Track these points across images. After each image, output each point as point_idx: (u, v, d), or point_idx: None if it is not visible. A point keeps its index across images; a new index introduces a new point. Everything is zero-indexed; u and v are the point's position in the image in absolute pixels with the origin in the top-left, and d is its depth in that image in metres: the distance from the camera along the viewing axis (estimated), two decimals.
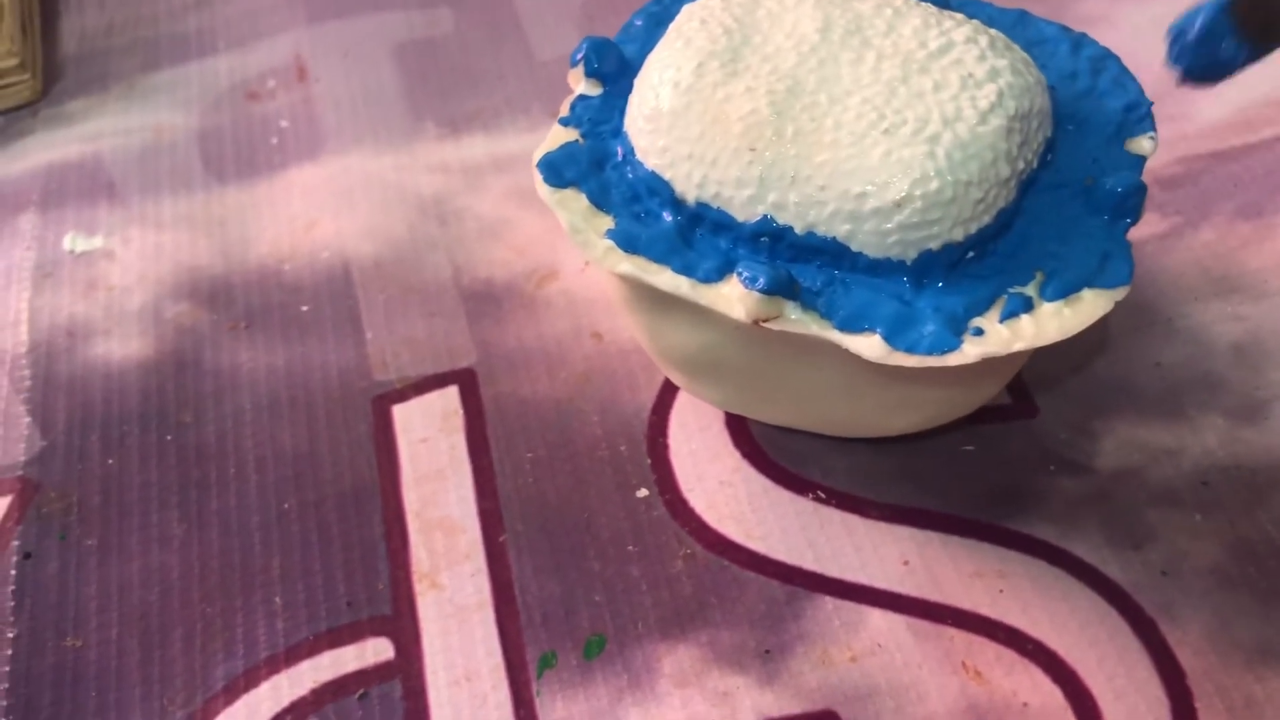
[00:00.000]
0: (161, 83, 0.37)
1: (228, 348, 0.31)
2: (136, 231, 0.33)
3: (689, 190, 0.23)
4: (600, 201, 0.23)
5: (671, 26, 0.24)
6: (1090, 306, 0.22)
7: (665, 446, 0.28)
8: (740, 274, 0.22)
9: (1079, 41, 0.26)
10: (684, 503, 0.27)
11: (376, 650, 0.25)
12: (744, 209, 0.22)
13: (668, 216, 0.23)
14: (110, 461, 0.29)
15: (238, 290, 0.32)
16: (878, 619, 0.25)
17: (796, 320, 0.22)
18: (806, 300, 0.22)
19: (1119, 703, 0.23)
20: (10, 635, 0.26)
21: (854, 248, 0.22)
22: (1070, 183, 0.23)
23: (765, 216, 0.22)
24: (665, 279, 0.22)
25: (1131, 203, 0.23)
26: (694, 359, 0.25)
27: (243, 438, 0.29)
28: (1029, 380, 0.28)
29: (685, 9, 0.24)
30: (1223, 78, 0.21)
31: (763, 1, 0.24)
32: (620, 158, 0.24)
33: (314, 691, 0.25)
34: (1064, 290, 0.22)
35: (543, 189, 0.24)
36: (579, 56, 0.25)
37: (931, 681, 0.24)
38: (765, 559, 0.26)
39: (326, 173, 0.34)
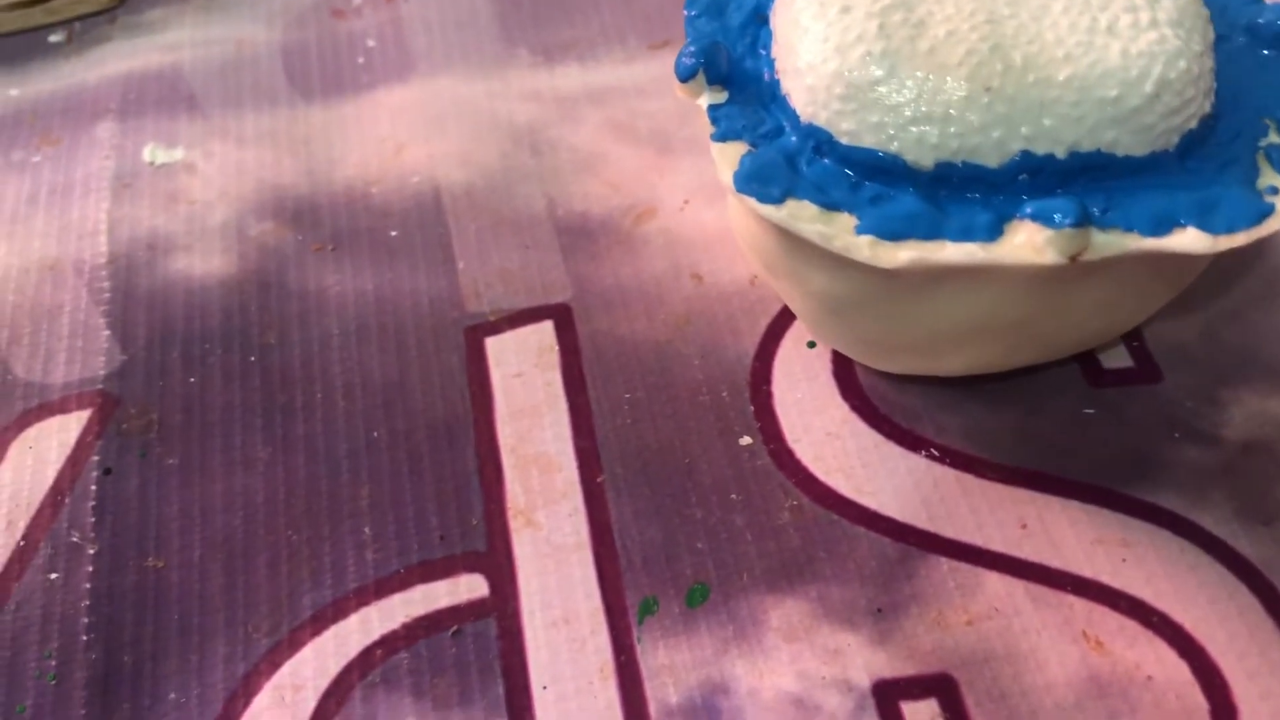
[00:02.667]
0: None
1: (313, 269, 0.30)
2: (218, 146, 0.32)
3: (923, 155, 0.21)
4: (826, 201, 0.21)
5: None
6: None
7: (769, 394, 0.27)
8: (1036, 217, 0.20)
9: None
10: (789, 453, 0.26)
11: (470, 586, 0.24)
12: (995, 152, 0.21)
13: (906, 190, 0.21)
14: (192, 380, 0.28)
15: (324, 211, 0.31)
16: (995, 582, 0.24)
17: (1106, 244, 0.20)
18: (1100, 221, 0.21)
19: (1251, 683, 0.22)
20: (91, 552, 0.25)
21: (1120, 153, 0.21)
22: (1228, 34, 0.24)
23: (1023, 152, 0.21)
24: (952, 252, 0.21)
25: None
26: (952, 332, 0.23)
27: (329, 363, 0.28)
28: (1153, 345, 0.27)
29: None
30: None
31: None
32: (813, 150, 0.22)
33: (405, 626, 0.24)
34: None
35: (765, 210, 0.21)
36: (691, 67, 0.23)
37: (1051, 649, 0.23)
38: (876, 515, 0.25)
39: (416, 95, 0.33)
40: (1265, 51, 0.23)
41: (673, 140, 0.32)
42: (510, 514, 0.25)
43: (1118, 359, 0.27)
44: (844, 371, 0.27)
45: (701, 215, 0.30)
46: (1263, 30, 0.23)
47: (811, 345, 0.28)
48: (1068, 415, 0.26)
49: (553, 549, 0.25)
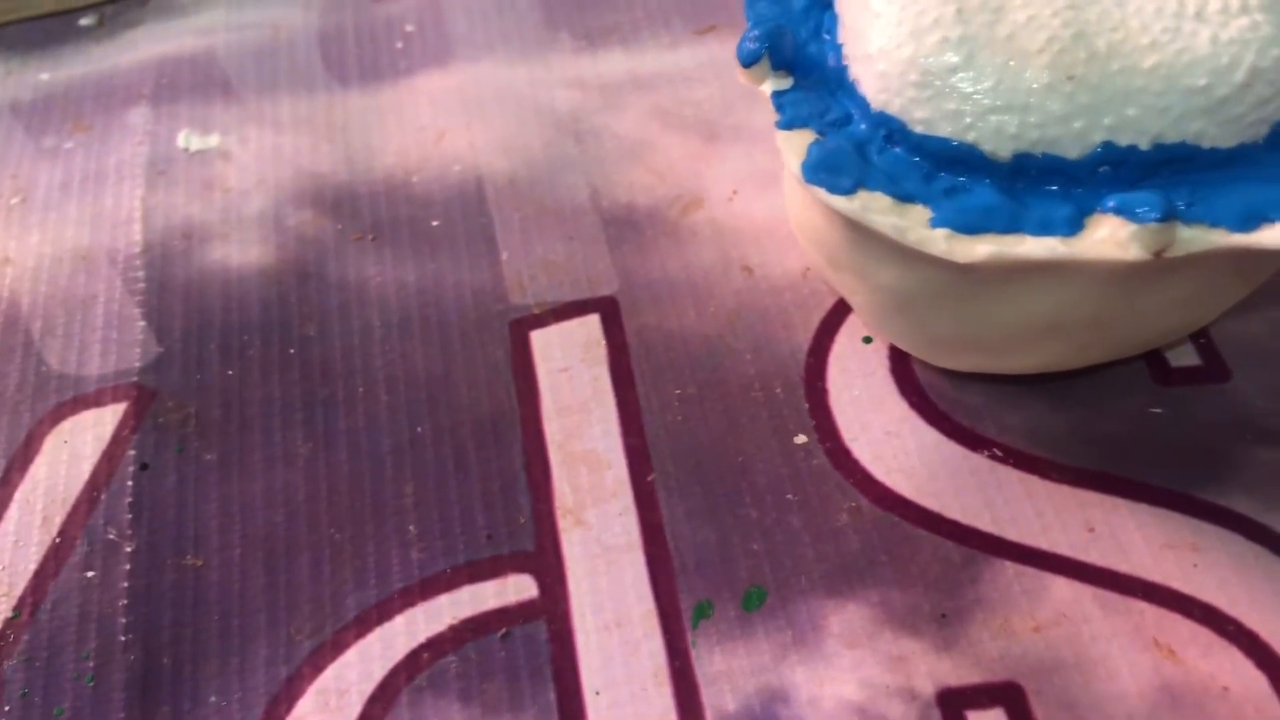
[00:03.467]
0: None
1: (354, 260, 0.29)
2: (254, 132, 0.32)
3: (1001, 145, 0.20)
4: (899, 193, 0.21)
5: None
6: None
7: (824, 391, 0.26)
8: (1120, 211, 0.20)
9: None
10: (847, 453, 0.25)
11: (519, 587, 0.24)
12: (1077, 143, 0.20)
13: (982, 182, 0.21)
14: (230, 373, 0.27)
15: (363, 200, 0.30)
16: (1062, 587, 0.23)
17: (1191, 239, 0.20)
18: (1184, 216, 0.20)
19: None
20: (129, 549, 0.25)
21: (1206, 145, 0.20)
22: None
23: (1106, 143, 0.20)
24: (1031, 246, 0.20)
25: None
26: (1026, 329, 0.22)
27: (371, 355, 0.27)
28: (1220, 342, 0.26)
29: None
30: None
31: None
32: (884, 139, 0.21)
33: (453, 628, 0.23)
34: None
35: (836, 201, 0.21)
36: (755, 51, 0.22)
37: (1122, 658, 0.22)
38: (939, 517, 0.24)
39: (456, 81, 0.32)
40: None
41: (719, 128, 0.31)
42: (559, 513, 0.25)
43: (1185, 357, 0.26)
44: (902, 368, 0.26)
45: (750, 206, 0.29)
46: None
47: (868, 341, 0.27)
48: (1134, 415, 0.25)
49: (603, 549, 0.24)
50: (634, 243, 0.29)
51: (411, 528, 0.25)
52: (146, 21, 0.35)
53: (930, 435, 0.25)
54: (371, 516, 0.25)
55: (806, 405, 0.26)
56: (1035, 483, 0.24)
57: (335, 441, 0.26)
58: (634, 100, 0.32)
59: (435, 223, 0.29)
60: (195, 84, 0.33)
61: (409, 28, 0.34)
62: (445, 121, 0.31)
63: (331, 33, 0.34)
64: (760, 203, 0.29)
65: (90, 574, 0.24)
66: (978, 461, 0.25)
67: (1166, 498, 0.24)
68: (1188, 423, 0.25)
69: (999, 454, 0.25)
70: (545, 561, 0.24)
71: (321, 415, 0.26)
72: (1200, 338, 0.26)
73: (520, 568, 0.24)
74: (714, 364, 0.27)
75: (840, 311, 0.27)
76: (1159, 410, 0.25)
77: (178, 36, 0.34)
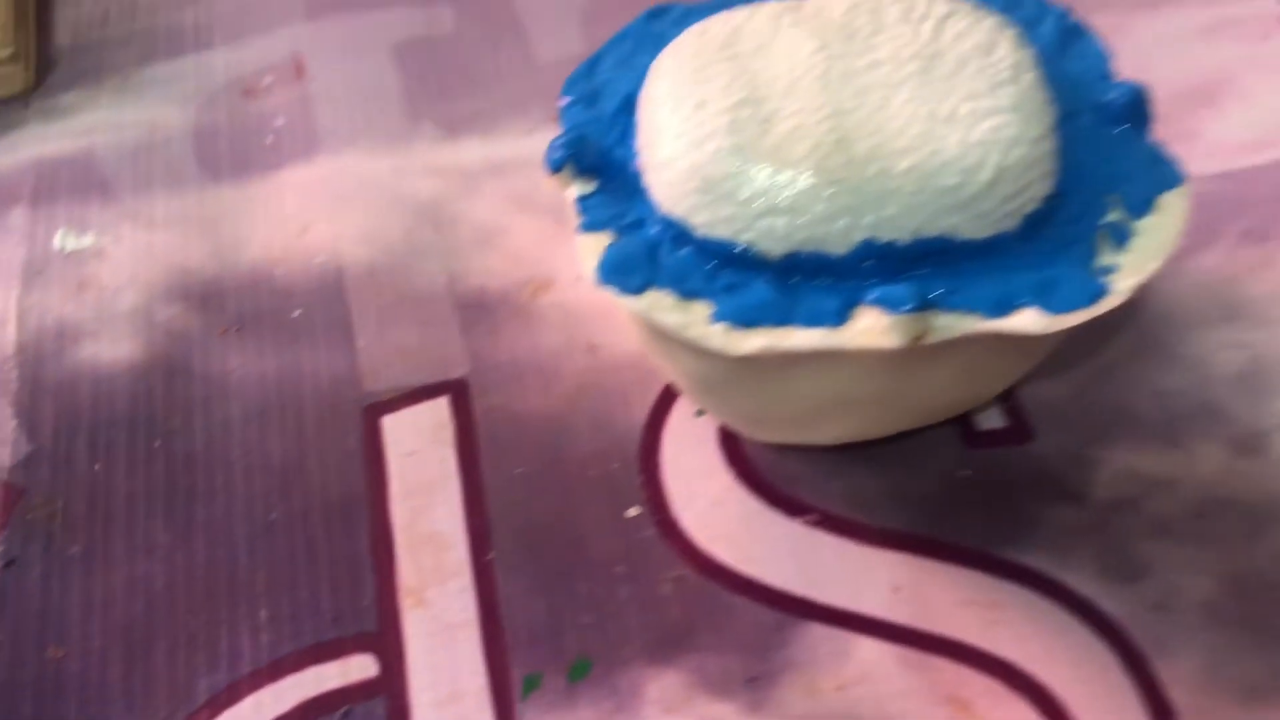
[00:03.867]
0: (157, 77, 0.37)
1: (218, 353, 0.30)
2: (128, 230, 0.33)
3: (773, 245, 0.22)
4: (683, 291, 0.22)
5: (662, 91, 0.23)
6: (1175, 210, 0.23)
7: (658, 465, 0.28)
8: (879, 303, 0.21)
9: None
10: (675, 523, 0.27)
11: (361, 667, 0.25)
12: (841, 241, 0.22)
13: (759, 278, 0.22)
14: (97, 467, 0.29)
15: (229, 293, 0.31)
16: (866, 647, 0.25)
17: (947, 326, 0.21)
18: (943, 304, 0.22)
19: None
20: None
21: (961, 238, 0.22)
22: (1077, 112, 0.24)
23: (868, 240, 0.22)
24: (800, 338, 0.22)
25: (1141, 106, 0.24)
26: (815, 408, 0.24)
27: (231, 446, 0.29)
28: (1026, 404, 0.28)
29: (659, 67, 0.24)
30: None
31: (738, 38, 0.24)
32: (672, 240, 0.23)
33: (297, 708, 0.25)
34: (1145, 204, 0.23)
35: (625, 301, 0.22)
36: (560, 159, 0.24)
37: (918, 714, 0.24)
38: (755, 583, 0.26)
39: (322, 174, 0.34)
40: (1112, 128, 0.24)
41: (570, 211, 0.32)
42: (401, 593, 0.26)
43: (992, 420, 0.28)
44: (729, 440, 0.28)
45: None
46: (1109, 107, 0.24)
47: (700, 414, 0.28)
48: (944, 477, 0.27)
49: (441, 627, 0.26)
50: (486, 325, 0.30)
51: (263, 612, 0.26)
52: (29, 123, 0.36)
53: (753, 504, 0.27)
54: (226, 602, 0.26)
55: (640, 479, 0.27)
56: (848, 546, 0.26)
57: (194, 531, 0.27)
58: (491, 186, 0.33)
59: (296, 313, 0.31)
60: (73, 184, 0.34)
61: (279, 121, 0.35)
62: (310, 214, 0.33)
63: (206, 130, 0.35)
64: None
65: None
66: (795, 528, 0.26)
67: (969, 557, 0.26)
68: (993, 483, 0.27)
69: (815, 519, 0.26)
70: (386, 641, 0.25)
71: (183, 506, 0.28)
72: (1007, 401, 0.28)
73: (362, 648, 0.25)
74: (556, 442, 0.28)
75: (676, 389, 0.29)
76: (967, 472, 0.27)
77: (58, 138, 0.36)
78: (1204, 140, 0.32)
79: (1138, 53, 0.34)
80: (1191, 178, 0.32)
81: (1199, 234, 0.30)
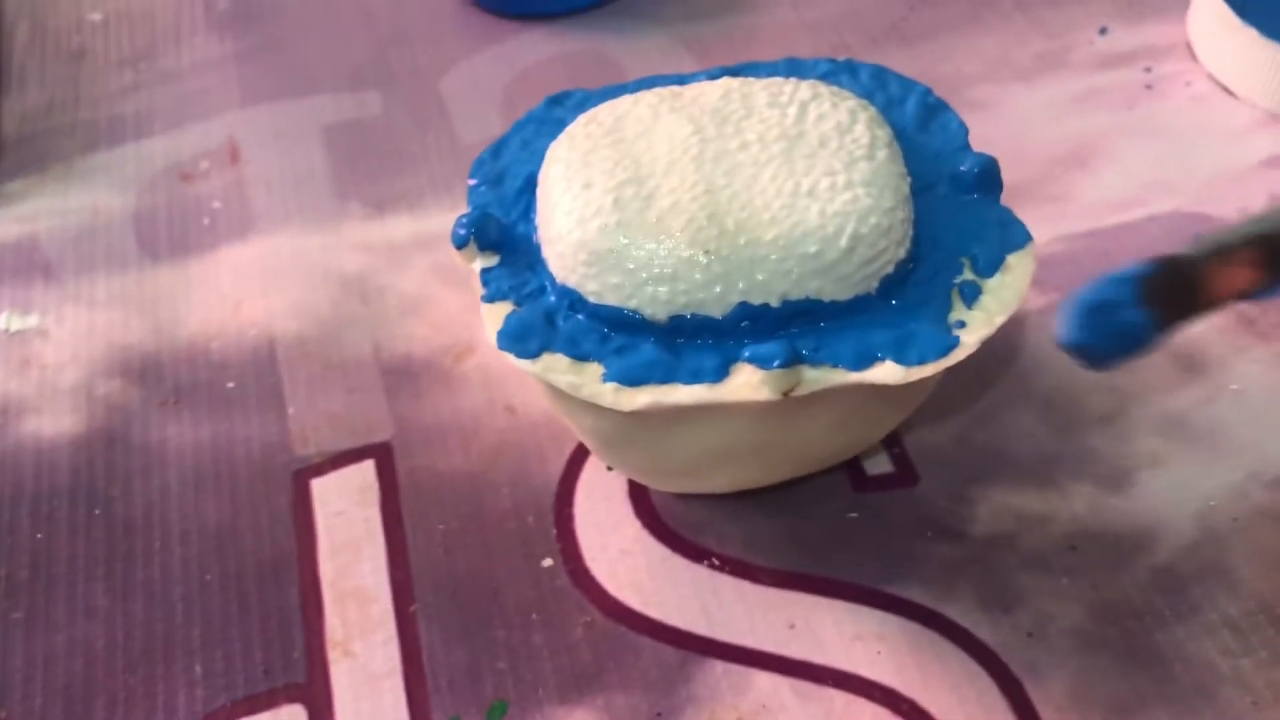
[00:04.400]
0: (99, 164, 0.39)
1: (156, 424, 0.32)
2: (71, 310, 0.35)
3: (658, 310, 0.24)
4: (577, 354, 0.24)
5: (555, 173, 0.26)
6: (1021, 268, 0.25)
7: (571, 517, 0.30)
8: (752, 360, 0.24)
9: (852, 69, 0.29)
10: (586, 571, 0.28)
11: (291, 716, 0.27)
12: (718, 305, 0.24)
13: (647, 340, 0.24)
14: (39, 535, 0.30)
15: (167, 367, 0.33)
16: (764, 681, 0.26)
17: (815, 379, 0.24)
18: (811, 359, 0.24)
19: None
20: None
21: (826, 299, 0.24)
22: (934, 182, 0.27)
23: (742, 303, 0.24)
24: (683, 394, 0.24)
25: (992, 176, 0.27)
26: (705, 458, 0.26)
27: (168, 511, 0.30)
28: (911, 450, 0.30)
29: (553, 151, 0.26)
30: (1128, 353, 0.21)
31: (622, 124, 0.26)
32: (568, 307, 0.25)
33: None
34: (994, 264, 0.25)
35: (522, 364, 0.25)
36: (464, 237, 0.26)
37: None
38: (661, 625, 0.27)
39: (256, 252, 0.36)
40: (966, 196, 0.27)
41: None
42: (329, 646, 0.28)
43: (880, 465, 0.30)
44: (638, 492, 0.30)
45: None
46: (963, 177, 0.27)
47: (610, 468, 0.30)
48: (834, 519, 0.29)
49: (367, 676, 0.27)
50: (410, 390, 0.32)
51: (198, 667, 0.27)
52: None
53: (659, 551, 0.29)
54: (162, 659, 0.28)
55: (554, 531, 0.29)
56: (747, 587, 0.28)
57: (133, 593, 0.29)
58: (417, 259, 0.35)
59: (231, 384, 0.33)
60: (17, 268, 0.36)
61: (216, 204, 0.37)
62: (244, 290, 0.35)
63: (146, 212, 0.37)
64: None
65: None
66: (698, 571, 0.28)
67: (858, 593, 0.28)
68: (879, 524, 0.29)
69: (717, 563, 0.28)
70: (315, 691, 0.27)
71: (121, 569, 0.29)
72: (894, 447, 0.30)
73: (292, 698, 0.27)
74: (476, 499, 0.30)
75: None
76: (855, 515, 0.29)
77: (3, 224, 0.37)
78: (1076, 201, 0.35)
79: (1015, 121, 0.37)
80: (1063, 235, 0.35)
81: (1069, 286, 0.33)
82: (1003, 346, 0.32)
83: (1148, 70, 0.38)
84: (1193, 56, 0.38)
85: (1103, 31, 0.39)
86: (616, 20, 0.42)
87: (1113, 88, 0.38)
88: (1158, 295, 0.20)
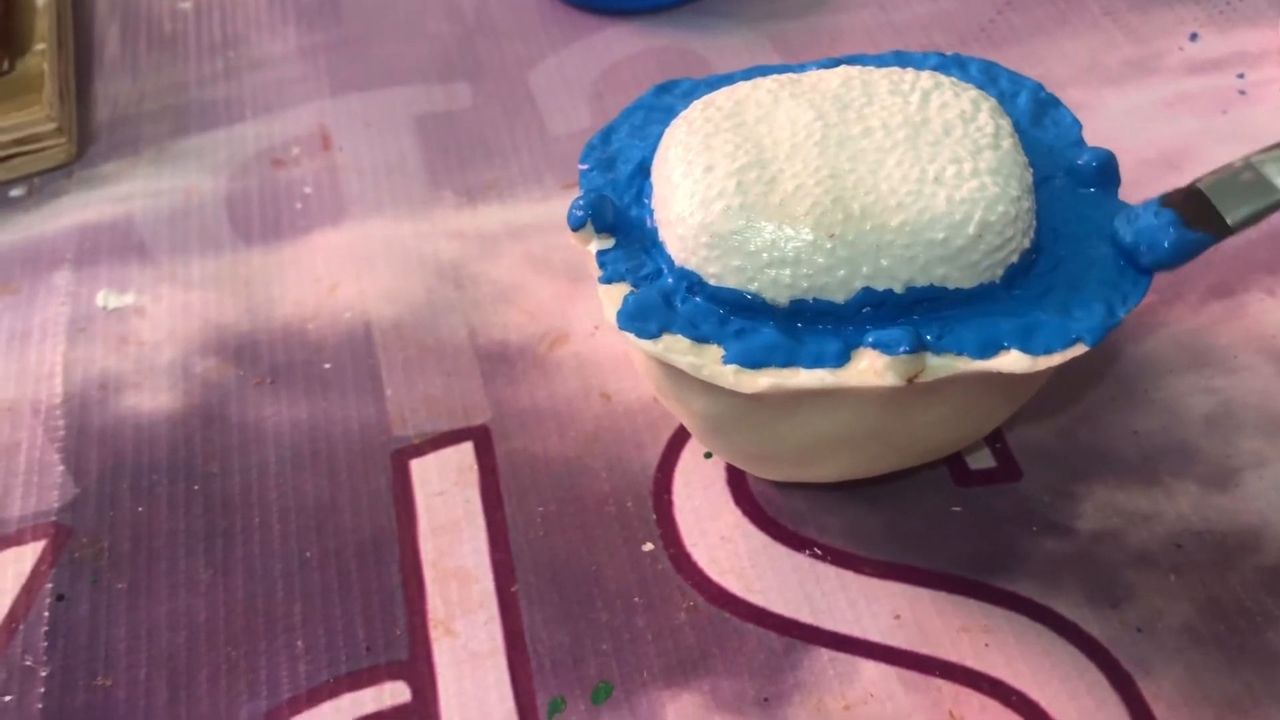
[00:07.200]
0: (190, 148, 0.39)
1: (253, 402, 0.32)
2: (166, 290, 0.35)
3: (779, 294, 0.24)
4: (696, 335, 0.24)
5: (674, 156, 0.26)
6: None
7: (670, 503, 0.29)
8: (876, 345, 0.23)
9: (963, 63, 0.30)
10: (687, 557, 0.28)
11: (394, 693, 0.27)
12: (841, 289, 0.24)
13: (766, 324, 0.24)
14: (140, 509, 0.30)
15: (263, 347, 0.33)
16: (870, 670, 0.26)
17: (939, 366, 0.24)
18: (935, 347, 0.24)
19: None
20: (43, 674, 0.27)
21: (950, 287, 0.24)
22: (1051, 175, 0.27)
23: (865, 289, 0.24)
24: (805, 378, 0.24)
25: (1111, 170, 0.27)
26: (817, 445, 0.26)
27: (266, 489, 0.30)
28: (1015, 446, 0.30)
29: (671, 135, 0.26)
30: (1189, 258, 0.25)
31: (742, 109, 0.26)
32: (686, 290, 0.25)
33: None
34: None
35: (643, 344, 0.25)
36: (581, 218, 0.26)
37: None
38: (764, 611, 0.27)
39: (348, 237, 0.36)
40: (1085, 189, 0.27)
41: (584, 271, 0.35)
42: (431, 624, 0.28)
43: (982, 460, 0.30)
44: (737, 479, 0.30)
45: (610, 339, 0.33)
46: (1081, 170, 0.27)
47: (709, 456, 0.30)
48: (937, 513, 0.29)
49: (469, 655, 0.27)
50: (506, 376, 0.32)
51: (299, 643, 0.28)
52: (71, 191, 0.38)
53: (759, 539, 0.29)
54: (264, 634, 0.28)
55: (654, 516, 0.29)
56: (850, 577, 0.28)
57: (233, 568, 0.29)
58: (509, 248, 0.35)
59: (327, 365, 0.33)
60: (114, 247, 0.36)
61: (307, 189, 0.38)
62: (338, 274, 0.35)
63: (238, 196, 0.38)
64: (619, 336, 0.33)
65: (8, 698, 0.27)
66: (800, 560, 0.28)
67: (963, 586, 0.27)
68: (983, 518, 0.29)
69: (819, 553, 0.28)
70: (418, 669, 0.27)
71: (221, 544, 0.29)
72: (996, 442, 0.30)
73: (395, 675, 0.27)
74: (573, 482, 0.30)
75: (685, 431, 0.31)
76: (959, 508, 0.29)
77: (99, 204, 0.38)
78: None
79: (1106, 124, 0.37)
80: None
81: (1169, 289, 0.33)
82: (1103, 344, 0.31)
83: (1240, 76, 0.38)
84: None
85: (1193, 37, 0.39)
86: (701, 18, 0.42)
87: (1204, 93, 0.38)
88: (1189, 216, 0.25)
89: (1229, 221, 0.25)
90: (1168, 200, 0.25)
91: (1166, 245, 0.25)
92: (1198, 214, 0.25)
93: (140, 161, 0.39)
